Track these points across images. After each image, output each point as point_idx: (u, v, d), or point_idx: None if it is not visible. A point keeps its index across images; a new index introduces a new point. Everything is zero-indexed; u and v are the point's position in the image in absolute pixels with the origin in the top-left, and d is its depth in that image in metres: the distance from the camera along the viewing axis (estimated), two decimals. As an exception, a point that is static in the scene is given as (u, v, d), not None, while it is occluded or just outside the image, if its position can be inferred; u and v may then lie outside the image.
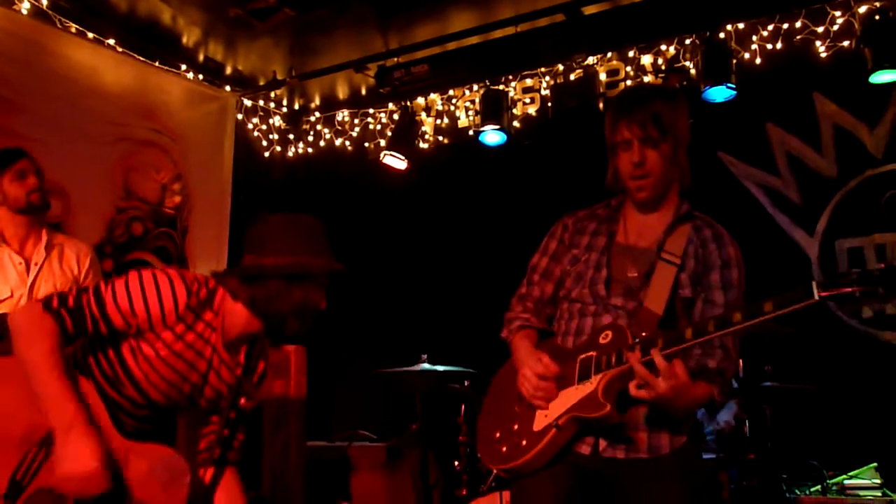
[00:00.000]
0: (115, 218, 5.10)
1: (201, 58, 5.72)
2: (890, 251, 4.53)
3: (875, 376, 4.35)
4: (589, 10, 4.80)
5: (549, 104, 5.35)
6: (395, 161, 5.59)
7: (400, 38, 5.44)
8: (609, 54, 5.28)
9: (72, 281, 3.47)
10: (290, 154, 6.49)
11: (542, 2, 4.90)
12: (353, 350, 5.81)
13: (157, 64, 5.43)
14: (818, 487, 3.77)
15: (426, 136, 6.03)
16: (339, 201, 6.30)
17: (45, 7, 4.78)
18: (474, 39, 5.26)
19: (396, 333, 5.61)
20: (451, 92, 5.96)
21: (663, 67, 5.09)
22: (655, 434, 2.10)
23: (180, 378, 2.20)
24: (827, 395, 3.96)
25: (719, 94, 4.55)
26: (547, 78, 5.55)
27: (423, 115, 6.03)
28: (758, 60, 4.84)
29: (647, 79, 5.16)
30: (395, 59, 5.43)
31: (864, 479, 3.76)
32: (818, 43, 4.69)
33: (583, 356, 2.11)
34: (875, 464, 3.82)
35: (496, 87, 5.40)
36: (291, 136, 6.50)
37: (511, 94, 5.54)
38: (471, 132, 5.76)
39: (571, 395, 2.08)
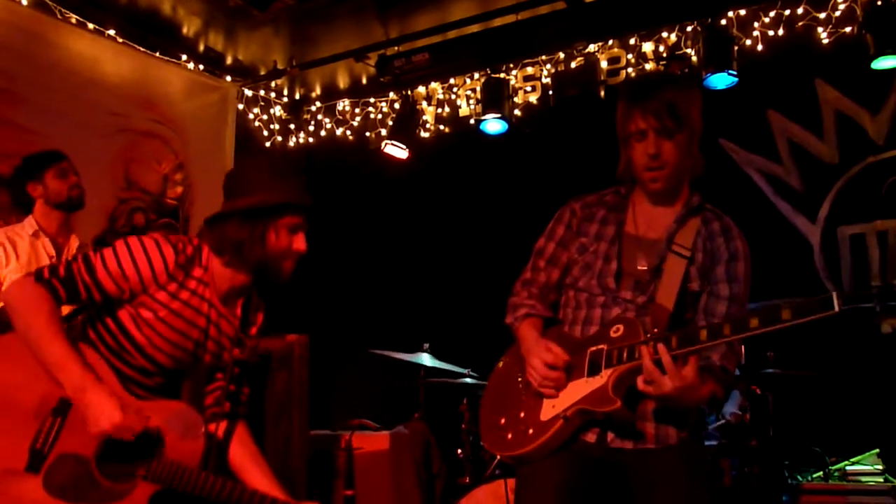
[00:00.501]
0: (118, 209, 5.11)
1: (201, 48, 5.71)
2: (892, 238, 4.53)
3: (877, 363, 4.36)
4: (590, -3, 4.79)
5: (551, 92, 5.33)
6: (397, 150, 5.58)
7: (400, 27, 5.42)
8: (610, 42, 5.26)
9: None
10: (292, 144, 6.49)
11: (542, -11, 4.89)
12: (355, 339, 5.82)
13: (157, 54, 5.43)
14: (820, 473, 3.78)
15: (427, 125, 6.02)
16: (340, 191, 6.30)
17: (45, -2, 4.78)
18: (475, 27, 5.24)
19: (398, 322, 5.63)
20: (451, 80, 5.94)
21: (664, 55, 5.08)
22: (663, 425, 2.10)
23: (182, 336, 2.21)
24: (829, 382, 3.97)
25: (721, 80, 4.54)
26: (548, 66, 5.53)
27: (424, 103, 6.02)
28: (759, 47, 4.83)
29: (649, 66, 5.14)
30: (396, 48, 5.42)
31: (866, 465, 3.77)
32: (820, 29, 4.67)
33: (593, 349, 2.10)
34: (877, 450, 3.83)
35: (497, 76, 5.39)
36: (292, 126, 6.49)
37: (512, 82, 5.52)
38: (472, 121, 5.75)
39: (580, 388, 2.07)
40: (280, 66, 5.90)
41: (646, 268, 2.15)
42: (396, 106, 5.99)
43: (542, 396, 2.14)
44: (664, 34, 5.13)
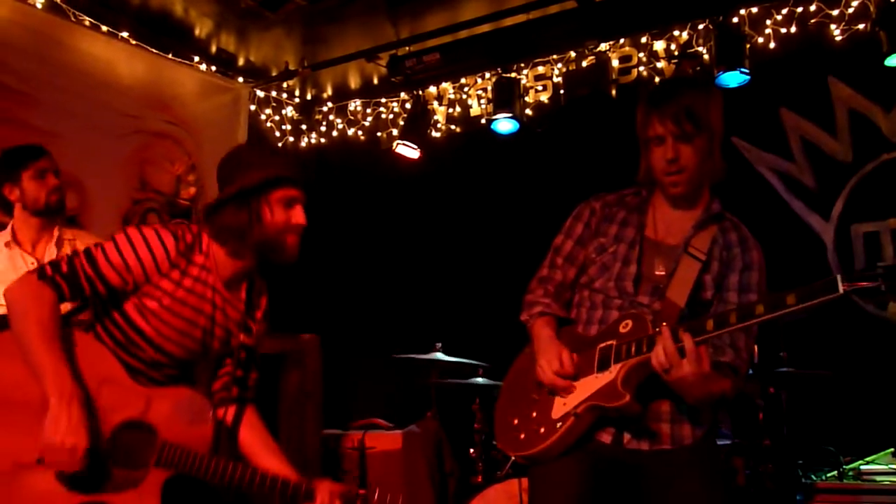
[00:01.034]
0: (131, 209, 5.15)
1: (214, 49, 5.74)
2: (906, 235, 4.51)
3: (891, 361, 4.33)
4: (600, -4, 4.79)
5: (562, 91, 5.33)
6: (408, 150, 5.59)
7: (411, 27, 5.43)
8: (621, 41, 5.25)
9: None
10: (303, 144, 6.51)
11: (553, -12, 4.89)
12: (368, 339, 5.83)
13: (170, 56, 5.45)
14: (834, 473, 3.76)
15: (438, 125, 6.02)
16: (352, 191, 6.32)
17: (59, 1, 4.81)
18: (486, 27, 5.24)
19: (411, 322, 5.64)
20: (462, 80, 5.95)
21: (676, 53, 5.06)
22: (678, 426, 2.11)
23: (189, 324, 2.21)
24: (843, 381, 3.95)
25: (733, 79, 4.52)
26: (559, 65, 5.53)
27: (435, 103, 6.03)
28: (772, 45, 4.81)
29: (661, 65, 5.13)
30: (407, 48, 5.43)
31: (880, 464, 3.75)
32: (833, 26, 4.65)
33: (602, 345, 2.11)
34: (892, 449, 3.80)
35: (508, 75, 5.39)
36: (304, 127, 6.51)
37: (523, 81, 5.52)
38: (483, 120, 5.76)
39: (591, 384, 2.08)
40: (292, 67, 5.92)
41: (664, 273, 2.16)
42: (407, 106, 6.00)
43: (553, 395, 2.15)
44: (676, 32, 5.11)
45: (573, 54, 5.41)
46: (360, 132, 6.34)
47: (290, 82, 6.27)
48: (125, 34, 5.17)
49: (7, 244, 3.32)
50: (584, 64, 5.29)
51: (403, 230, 6.06)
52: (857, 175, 4.69)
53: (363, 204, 6.26)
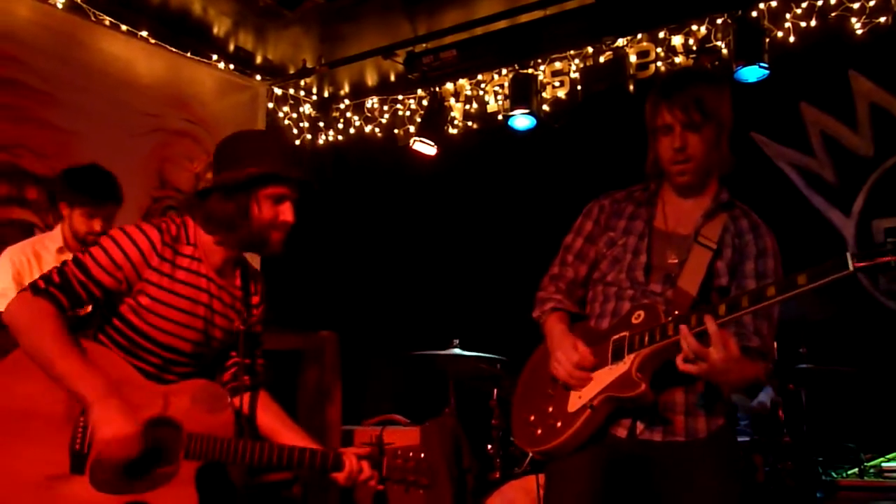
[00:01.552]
0: (151, 207, 5.19)
1: (232, 48, 5.78)
2: (928, 231, 4.46)
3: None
4: (618, -9, 4.77)
5: (579, 87, 5.31)
6: (425, 147, 5.60)
7: (428, 24, 5.43)
8: (639, 36, 5.22)
9: None
10: (321, 142, 6.53)
11: (570, -16, 4.87)
12: (386, 335, 5.85)
13: (188, 55, 5.50)
14: (855, 470, 3.73)
15: (455, 122, 6.03)
16: (369, 188, 6.34)
17: (79, 1, 4.86)
18: (502, 23, 5.23)
19: (428, 318, 5.65)
20: (479, 77, 5.95)
21: (694, 48, 5.04)
22: (692, 417, 2.10)
23: (189, 316, 2.20)
24: (863, 377, 3.91)
25: (752, 73, 4.48)
26: (576, 61, 5.51)
27: (452, 100, 6.03)
28: (791, 39, 4.77)
29: (679, 60, 5.10)
30: (424, 45, 5.43)
31: (902, 461, 3.72)
32: (853, 19, 4.60)
33: (615, 337, 2.12)
34: (914, 446, 3.78)
35: (525, 71, 5.38)
36: (322, 124, 6.54)
37: (540, 77, 5.51)
38: (500, 117, 5.75)
39: (605, 376, 2.09)
40: (309, 65, 5.94)
41: (675, 261, 2.16)
42: (424, 103, 6.00)
43: (568, 389, 2.15)
44: (694, 27, 5.08)
45: (590, 50, 5.39)
46: (377, 129, 6.36)
47: (308, 80, 6.29)
48: (144, 33, 5.21)
49: (59, 249, 3.42)
50: (602, 59, 5.26)
51: (421, 227, 6.07)
52: (879, 170, 4.64)
53: (380, 201, 6.27)
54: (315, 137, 6.53)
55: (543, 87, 5.55)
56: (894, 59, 4.32)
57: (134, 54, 5.16)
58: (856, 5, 4.59)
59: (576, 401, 2.12)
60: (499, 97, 5.88)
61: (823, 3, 4.68)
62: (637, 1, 4.80)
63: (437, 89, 5.80)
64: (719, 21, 4.95)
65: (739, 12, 4.58)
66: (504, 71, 5.78)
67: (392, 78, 6.19)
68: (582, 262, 2.34)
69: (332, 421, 4.29)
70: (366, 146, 6.39)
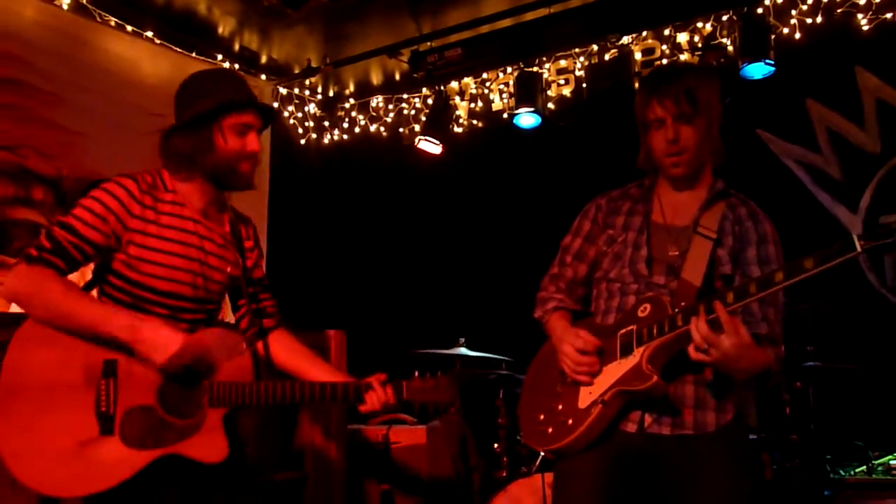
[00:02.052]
0: (156, 207, 5.20)
1: (237, 47, 5.78)
2: (936, 227, 4.42)
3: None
4: (623, -12, 4.76)
5: (584, 85, 5.29)
6: (430, 146, 5.60)
7: (432, 23, 5.43)
8: (644, 33, 5.21)
9: None
10: (326, 141, 6.54)
11: (575, -18, 4.87)
12: (391, 334, 5.85)
13: (193, 55, 5.50)
14: (863, 468, 3.72)
15: (460, 121, 6.02)
16: (374, 187, 6.34)
17: (84, 1, 4.87)
18: (507, 21, 5.23)
19: (434, 317, 5.64)
20: (484, 75, 5.94)
21: (700, 45, 5.01)
22: (701, 411, 2.10)
23: (182, 259, 2.19)
24: (871, 375, 3.90)
25: (758, 70, 4.47)
26: (581, 58, 5.50)
27: (457, 99, 6.02)
28: (797, 35, 4.75)
29: (684, 57, 5.08)
30: (429, 44, 5.43)
31: (910, 459, 3.71)
32: (860, 15, 4.58)
33: (623, 331, 2.12)
34: (922, 444, 3.76)
35: (530, 69, 5.38)
36: (327, 124, 6.54)
37: (545, 75, 5.51)
38: (505, 115, 5.74)
39: (615, 370, 2.08)
40: (314, 64, 5.94)
41: (677, 253, 2.17)
42: (429, 101, 6.00)
43: (578, 385, 2.15)
44: (699, 24, 5.06)
45: (595, 47, 5.37)
46: (382, 128, 6.35)
47: (313, 79, 6.29)
48: (149, 33, 5.23)
49: None
50: (607, 57, 5.24)
51: (426, 225, 6.07)
52: (886, 167, 4.62)
53: (386, 200, 6.27)
54: (320, 137, 6.54)
55: (548, 85, 5.54)
56: (901, 55, 4.30)
57: (139, 54, 5.17)
58: (862, 1, 4.56)
59: (587, 396, 2.12)
60: (504, 95, 5.87)
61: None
62: (642, -2, 4.79)
63: (442, 88, 5.80)
64: (725, 18, 4.93)
65: (745, 9, 4.57)
66: (509, 69, 5.77)
67: (397, 77, 6.18)
68: (581, 261, 2.35)
69: (339, 419, 4.28)
70: (371, 145, 6.39)
